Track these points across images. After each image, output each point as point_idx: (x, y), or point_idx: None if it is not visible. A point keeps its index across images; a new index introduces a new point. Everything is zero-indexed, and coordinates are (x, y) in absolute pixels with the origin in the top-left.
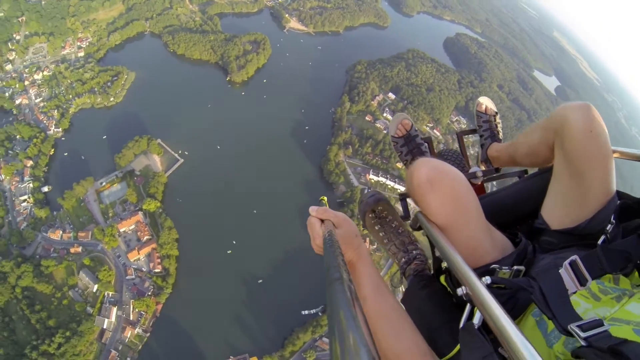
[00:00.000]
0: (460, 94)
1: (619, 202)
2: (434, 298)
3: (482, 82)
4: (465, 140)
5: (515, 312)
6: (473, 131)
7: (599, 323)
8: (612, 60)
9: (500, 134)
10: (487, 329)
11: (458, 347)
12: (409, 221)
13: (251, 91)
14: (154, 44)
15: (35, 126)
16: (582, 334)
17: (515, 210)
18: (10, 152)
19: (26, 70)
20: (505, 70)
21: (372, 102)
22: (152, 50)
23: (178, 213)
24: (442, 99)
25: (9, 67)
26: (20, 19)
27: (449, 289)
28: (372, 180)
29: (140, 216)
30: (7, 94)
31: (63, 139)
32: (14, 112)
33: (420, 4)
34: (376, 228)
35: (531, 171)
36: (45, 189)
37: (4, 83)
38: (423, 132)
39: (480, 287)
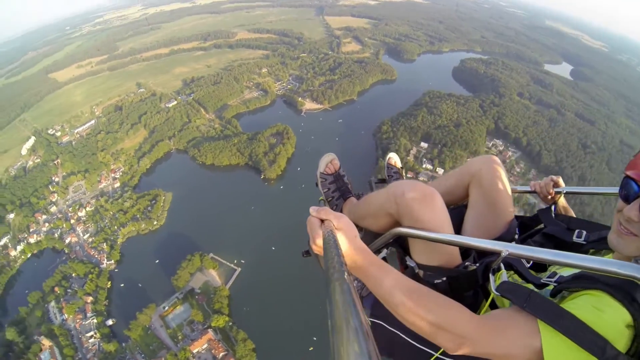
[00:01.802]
0: (487, 117)
1: (518, 222)
2: None
3: (503, 98)
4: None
5: (482, 297)
6: (383, 180)
7: (552, 274)
8: (614, 21)
9: None
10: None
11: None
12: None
13: (288, 183)
14: (182, 160)
15: (88, 262)
16: (552, 280)
17: None
18: (69, 290)
19: (69, 209)
20: (518, 76)
21: (408, 158)
22: (182, 167)
23: (249, 322)
24: (472, 129)
25: (53, 208)
26: (56, 162)
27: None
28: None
29: (211, 334)
30: (56, 235)
31: (117, 270)
32: (66, 251)
33: (418, 46)
34: None
35: None
36: (110, 322)
37: (51, 225)
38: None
39: (514, 245)
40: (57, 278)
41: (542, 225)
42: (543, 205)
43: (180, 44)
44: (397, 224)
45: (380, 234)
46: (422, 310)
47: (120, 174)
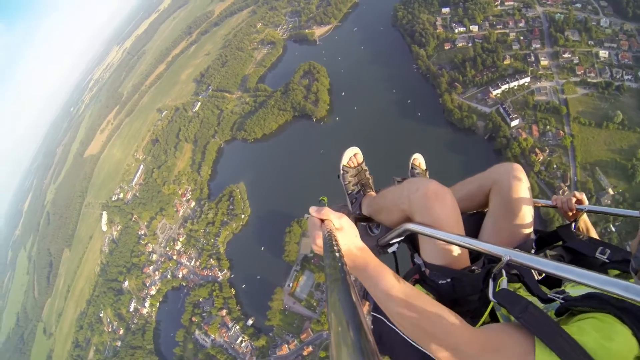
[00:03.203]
0: None
1: (535, 236)
2: None
3: None
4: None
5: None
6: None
7: (561, 292)
8: None
9: None
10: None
11: (478, 324)
12: (377, 238)
13: (341, 111)
14: (236, 147)
15: (206, 283)
16: (560, 296)
17: None
18: (204, 314)
19: (167, 249)
20: None
21: (437, 30)
22: (239, 154)
23: None
24: None
25: (154, 257)
26: (134, 219)
27: (429, 293)
28: (498, 95)
29: None
30: (169, 276)
31: (233, 276)
32: (184, 284)
33: None
34: None
35: None
36: (250, 322)
37: (161, 270)
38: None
39: (516, 252)
40: (189, 310)
41: (560, 243)
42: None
43: (171, 52)
44: (409, 220)
45: None
46: (416, 317)
47: (190, 193)
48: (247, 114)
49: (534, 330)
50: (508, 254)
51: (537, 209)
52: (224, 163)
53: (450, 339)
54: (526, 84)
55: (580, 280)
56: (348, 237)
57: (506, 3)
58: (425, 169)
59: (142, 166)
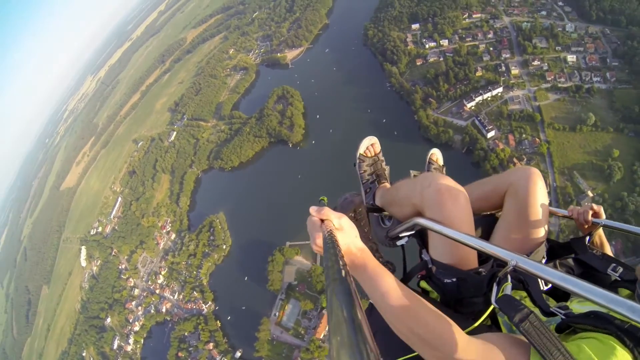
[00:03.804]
0: None
1: (547, 245)
2: (422, 296)
3: None
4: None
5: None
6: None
7: (565, 307)
8: None
9: None
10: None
11: (477, 323)
12: (388, 230)
13: (317, 134)
14: (213, 177)
15: (190, 316)
16: (562, 312)
17: None
18: (190, 349)
19: (149, 283)
20: None
21: (408, 47)
22: (216, 184)
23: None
24: None
25: (136, 292)
26: (113, 253)
27: (434, 291)
28: (472, 107)
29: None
30: (152, 311)
31: (217, 308)
32: (168, 318)
33: None
34: None
35: None
36: (238, 354)
37: (144, 305)
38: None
39: (523, 258)
40: (175, 345)
41: (572, 255)
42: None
43: (145, 81)
44: (420, 215)
45: None
46: (411, 321)
47: (170, 225)
48: (223, 142)
49: (533, 341)
50: (515, 259)
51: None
52: (203, 193)
53: (445, 347)
54: (499, 94)
55: (586, 294)
56: (348, 237)
57: (474, 16)
58: (443, 165)
59: (120, 199)
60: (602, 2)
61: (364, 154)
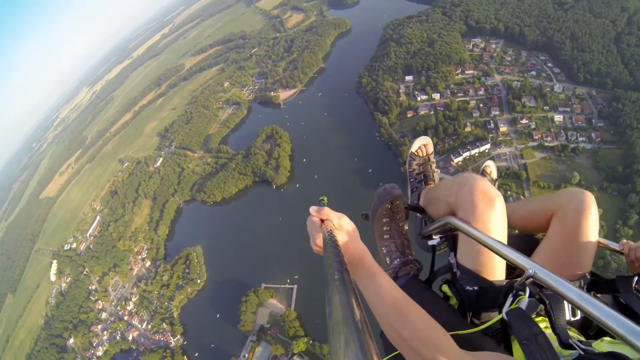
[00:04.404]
0: (455, 22)
1: (590, 277)
2: (436, 301)
3: None
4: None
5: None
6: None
7: (587, 344)
8: None
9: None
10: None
11: (478, 328)
12: (423, 229)
13: (301, 178)
14: (195, 209)
15: (157, 348)
16: (581, 346)
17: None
18: None
19: (118, 308)
20: None
21: (400, 98)
22: (197, 216)
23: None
24: (446, 41)
25: (104, 315)
26: (85, 272)
27: (454, 297)
28: (459, 163)
29: None
30: (118, 337)
31: (186, 342)
32: (134, 347)
33: None
34: (384, 221)
35: None
36: None
37: (110, 330)
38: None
39: (545, 270)
40: None
41: (613, 294)
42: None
43: (139, 102)
44: (453, 214)
45: None
46: (401, 328)
47: (146, 252)
48: (207, 175)
49: None
50: (534, 268)
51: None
52: (182, 224)
53: (431, 356)
54: (486, 150)
55: (604, 319)
56: (348, 236)
57: (467, 72)
58: (496, 179)
59: (98, 217)
60: (589, 65)
61: (416, 153)
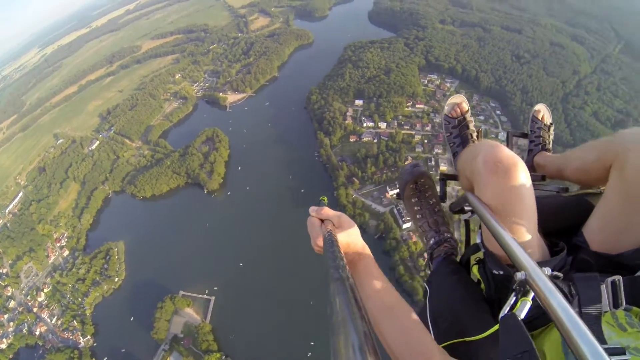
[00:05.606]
0: (415, 55)
1: None
2: (464, 285)
3: (426, 30)
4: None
5: (543, 320)
6: (524, 135)
7: (621, 351)
8: None
9: (550, 146)
10: (527, 325)
11: (484, 334)
12: (446, 203)
13: (234, 186)
14: (123, 201)
15: (65, 347)
16: (607, 358)
17: (555, 221)
18: None
19: (28, 297)
20: (435, 3)
21: (346, 121)
22: (125, 209)
23: (240, 349)
24: (403, 72)
25: (12, 304)
26: None
27: (482, 281)
28: (395, 196)
29: None
30: (24, 330)
31: (96, 344)
32: (40, 343)
33: (327, 0)
34: (413, 201)
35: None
36: None
37: (16, 321)
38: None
39: (542, 276)
40: None
41: None
42: None
43: (87, 76)
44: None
45: None
46: (388, 332)
47: (66, 240)
48: (142, 167)
49: None
50: (532, 270)
51: None
52: (108, 215)
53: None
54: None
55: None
56: (348, 235)
57: (417, 106)
58: (551, 123)
59: (21, 193)
60: None
61: (450, 115)
